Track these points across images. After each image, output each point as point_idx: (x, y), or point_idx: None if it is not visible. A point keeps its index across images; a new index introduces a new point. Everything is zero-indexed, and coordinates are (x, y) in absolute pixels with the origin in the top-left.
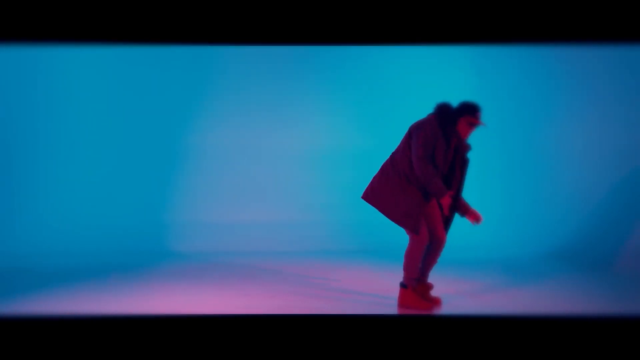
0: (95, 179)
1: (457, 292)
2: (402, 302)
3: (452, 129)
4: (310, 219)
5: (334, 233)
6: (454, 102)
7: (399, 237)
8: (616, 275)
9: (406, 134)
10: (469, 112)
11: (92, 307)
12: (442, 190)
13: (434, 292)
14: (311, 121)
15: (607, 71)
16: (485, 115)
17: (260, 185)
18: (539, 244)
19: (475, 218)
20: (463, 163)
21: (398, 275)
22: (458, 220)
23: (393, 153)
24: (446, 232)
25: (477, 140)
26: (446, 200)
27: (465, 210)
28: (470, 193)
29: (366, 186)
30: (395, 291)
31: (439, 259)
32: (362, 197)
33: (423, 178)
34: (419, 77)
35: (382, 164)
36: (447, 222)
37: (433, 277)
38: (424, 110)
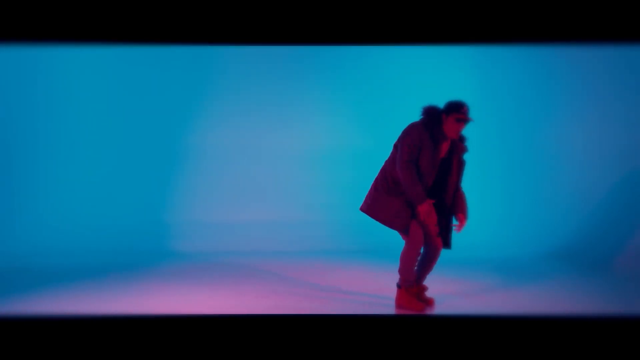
0: (95, 178)
1: (455, 292)
2: (397, 302)
3: (439, 131)
4: (310, 218)
5: (334, 233)
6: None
7: (399, 237)
8: (616, 275)
9: (396, 142)
10: (454, 109)
11: (91, 307)
12: (420, 196)
13: (430, 292)
14: (311, 121)
15: (607, 71)
16: (485, 115)
17: (260, 185)
18: (539, 244)
19: (461, 224)
20: (459, 165)
21: (396, 276)
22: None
23: (384, 162)
24: (447, 240)
25: (478, 140)
26: (423, 208)
27: (456, 212)
28: (470, 193)
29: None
30: (392, 291)
31: (440, 260)
32: (360, 209)
33: (404, 183)
34: (419, 77)
35: (380, 167)
36: (444, 230)
37: (433, 277)
38: None
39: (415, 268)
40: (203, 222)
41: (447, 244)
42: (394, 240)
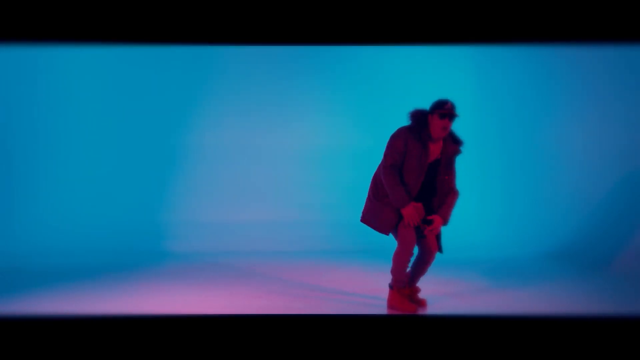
0: (93, 178)
1: (451, 293)
2: (389, 303)
3: (425, 133)
4: (309, 218)
5: (332, 233)
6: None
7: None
8: (616, 275)
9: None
10: (438, 107)
11: (86, 307)
12: (403, 199)
13: (427, 293)
14: (309, 121)
15: (607, 71)
16: (485, 115)
17: (258, 185)
18: (538, 244)
19: (433, 226)
20: (448, 166)
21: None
22: (458, 220)
23: (376, 169)
24: (438, 244)
25: (478, 140)
26: (406, 211)
27: (437, 212)
28: (470, 193)
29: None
30: (385, 292)
31: (439, 260)
32: (360, 221)
33: (386, 187)
34: (418, 77)
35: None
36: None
37: (430, 278)
38: None
39: (409, 270)
40: (200, 222)
41: (438, 247)
42: (392, 240)
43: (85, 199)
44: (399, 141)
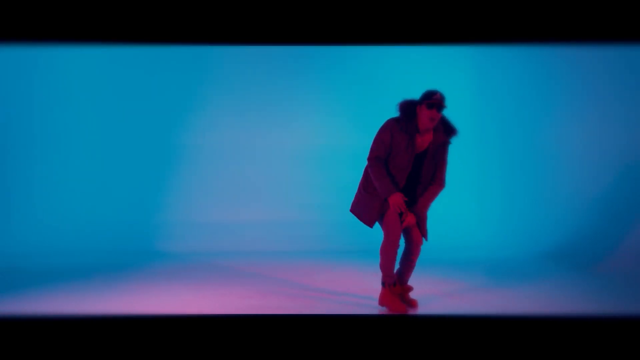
0: (89, 178)
1: (453, 292)
2: (380, 301)
3: (412, 124)
4: (305, 218)
5: (329, 233)
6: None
7: None
8: (614, 275)
9: None
10: (426, 97)
11: (83, 307)
12: (388, 189)
13: (424, 292)
14: (308, 121)
15: (607, 71)
16: (485, 115)
17: (256, 185)
18: (537, 244)
19: (404, 217)
20: (434, 157)
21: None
22: (458, 220)
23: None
24: (423, 232)
25: (478, 140)
26: (393, 199)
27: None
28: (470, 193)
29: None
30: (378, 292)
31: (438, 260)
32: (350, 210)
33: (373, 178)
34: (418, 77)
35: None
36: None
37: (428, 278)
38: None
39: (397, 268)
40: (196, 222)
41: (423, 235)
42: None
43: (81, 199)
44: (385, 133)
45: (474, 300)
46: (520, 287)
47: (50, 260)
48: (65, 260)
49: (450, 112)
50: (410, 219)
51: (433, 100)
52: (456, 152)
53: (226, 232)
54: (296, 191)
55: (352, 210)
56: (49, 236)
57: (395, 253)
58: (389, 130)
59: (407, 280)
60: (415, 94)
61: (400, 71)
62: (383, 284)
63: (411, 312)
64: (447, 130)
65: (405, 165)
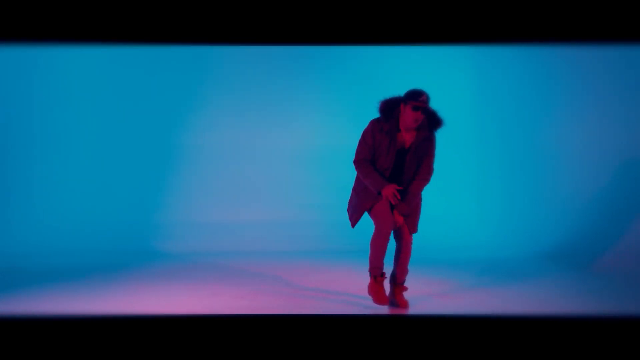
0: (89, 178)
1: (453, 292)
2: (368, 290)
3: (393, 123)
4: (306, 218)
5: (328, 233)
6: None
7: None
8: (613, 275)
9: None
10: (412, 97)
11: (82, 307)
12: (380, 183)
13: (422, 293)
14: (308, 121)
15: (607, 71)
16: (485, 115)
17: (255, 185)
18: (537, 244)
19: (398, 220)
20: (415, 153)
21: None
22: (458, 220)
23: None
24: (414, 225)
25: (477, 140)
26: (386, 191)
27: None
28: (470, 193)
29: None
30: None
31: (437, 259)
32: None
33: (362, 176)
34: (418, 77)
35: None
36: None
37: (430, 276)
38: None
39: (392, 267)
40: (196, 222)
41: (411, 229)
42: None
43: (81, 199)
44: (367, 135)
45: (474, 300)
46: (520, 287)
47: (50, 260)
48: (65, 260)
49: (450, 112)
50: (398, 219)
51: (419, 102)
52: (456, 152)
53: (226, 232)
54: (296, 191)
55: (347, 210)
56: (49, 236)
57: (385, 246)
58: (370, 132)
59: (402, 281)
60: None
61: (400, 71)
62: (370, 274)
63: (399, 312)
64: (431, 123)
65: (387, 165)
